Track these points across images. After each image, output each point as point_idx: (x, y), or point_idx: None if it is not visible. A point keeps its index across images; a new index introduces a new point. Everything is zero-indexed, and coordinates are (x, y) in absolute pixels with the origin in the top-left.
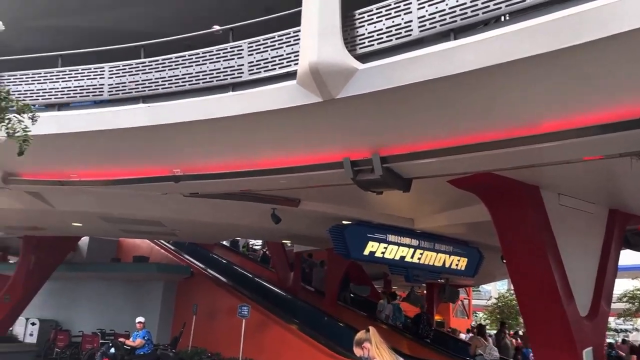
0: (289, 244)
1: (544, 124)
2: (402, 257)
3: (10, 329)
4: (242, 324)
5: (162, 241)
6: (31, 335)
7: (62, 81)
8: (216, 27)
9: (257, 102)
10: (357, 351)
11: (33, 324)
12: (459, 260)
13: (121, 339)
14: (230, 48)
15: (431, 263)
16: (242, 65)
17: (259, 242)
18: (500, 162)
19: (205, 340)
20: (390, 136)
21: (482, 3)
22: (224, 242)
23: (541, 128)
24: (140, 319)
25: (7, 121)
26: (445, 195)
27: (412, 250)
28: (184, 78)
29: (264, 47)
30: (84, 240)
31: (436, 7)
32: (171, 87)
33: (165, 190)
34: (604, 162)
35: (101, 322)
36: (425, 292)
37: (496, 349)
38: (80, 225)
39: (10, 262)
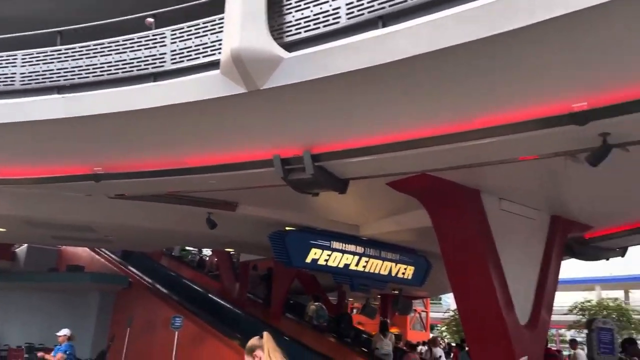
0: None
1: (477, 119)
2: (347, 265)
3: None
4: (175, 336)
5: (104, 250)
6: None
7: None
8: (149, 20)
9: (179, 93)
10: None
11: None
12: (405, 269)
13: (40, 353)
14: (153, 35)
15: (377, 271)
16: (165, 54)
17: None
18: (435, 162)
19: (140, 355)
20: (322, 132)
21: None
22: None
23: (474, 123)
24: (63, 331)
25: None
26: (391, 201)
27: (357, 258)
28: (103, 67)
29: (187, 35)
30: (23, 249)
31: None
32: (88, 77)
33: (88, 191)
34: (545, 166)
35: (33, 335)
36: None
37: (390, 344)
38: (4, 230)
39: None
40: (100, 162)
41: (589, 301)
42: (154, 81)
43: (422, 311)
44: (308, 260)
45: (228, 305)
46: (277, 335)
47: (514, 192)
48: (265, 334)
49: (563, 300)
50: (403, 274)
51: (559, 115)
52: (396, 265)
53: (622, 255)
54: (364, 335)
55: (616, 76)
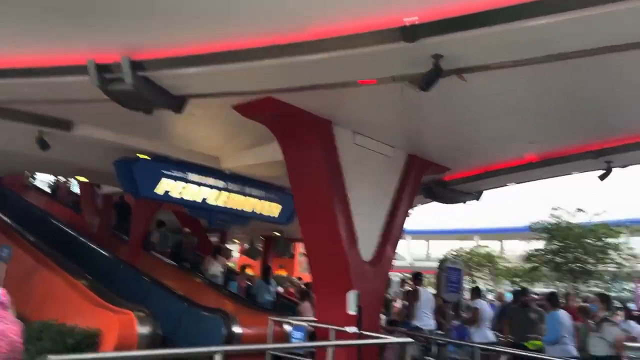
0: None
1: (310, 28)
2: (205, 199)
3: None
4: (4, 268)
5: None
6: None
7: None
8: None
9: None
10: None
11: None
12: (270, 206)
13: None
14: None
15: (238, 207)
16: None
17: None
18: (274, 80)
19: None
20: (143, 34)
21: None
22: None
23: (307, 34)
24: None
25: None
26: (251, 131)
27: (216, 192)
28: None
29: None
30: None
31: None
32: None
33: None
34: (398, 99)
35: None
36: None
37: (219, 267)
38: None
39: None
40: None
41: (461, 249)
42: None
43: None
44: (159, 191)
45: (82, 239)
46: (133, 272)
47: (371, 127)
48: None
49: (442, 249)
50: (268, 211)
51: (391, 29)
52: (261, 202)
53: (477, 199)
54: None
55: None
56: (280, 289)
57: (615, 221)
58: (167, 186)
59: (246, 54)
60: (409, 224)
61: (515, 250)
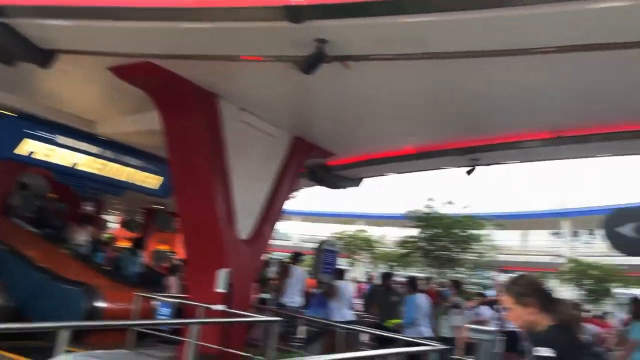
0: None
1: None
2: (75, 165)
3: None
4: None
5: None
6: None
7: None
8: None
9: None
10: None
11: None
12: (150, 178)
13: None
14: None
15: (113, 176)
16: None
17: None
18: (152, 45)
19: None
20: None
21: None
22: None
23: (189, 0)
24: None
25: None
26: (132, 95)
27: (90, 158)
28: None
29: None
30: None
31: None
32: None
33: None
34: (286, 79)
35: None
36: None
37: (84, 235)
38: None
39: None
40: None
41: (344, 232)
42: None
43: None
44: (21, 152)
45: None
46: None
47: (257, 106)
48: None
49: (329, 231)
50: (147, 182)
51: (276, 7)
52: (139, 172)
53: (357, 186)
54: None
55: None
56: (158, 264)
57: (481, 214)
58: (31, 147)
59: (121, 12)
60: (299, 205)
61: (394, 236)
